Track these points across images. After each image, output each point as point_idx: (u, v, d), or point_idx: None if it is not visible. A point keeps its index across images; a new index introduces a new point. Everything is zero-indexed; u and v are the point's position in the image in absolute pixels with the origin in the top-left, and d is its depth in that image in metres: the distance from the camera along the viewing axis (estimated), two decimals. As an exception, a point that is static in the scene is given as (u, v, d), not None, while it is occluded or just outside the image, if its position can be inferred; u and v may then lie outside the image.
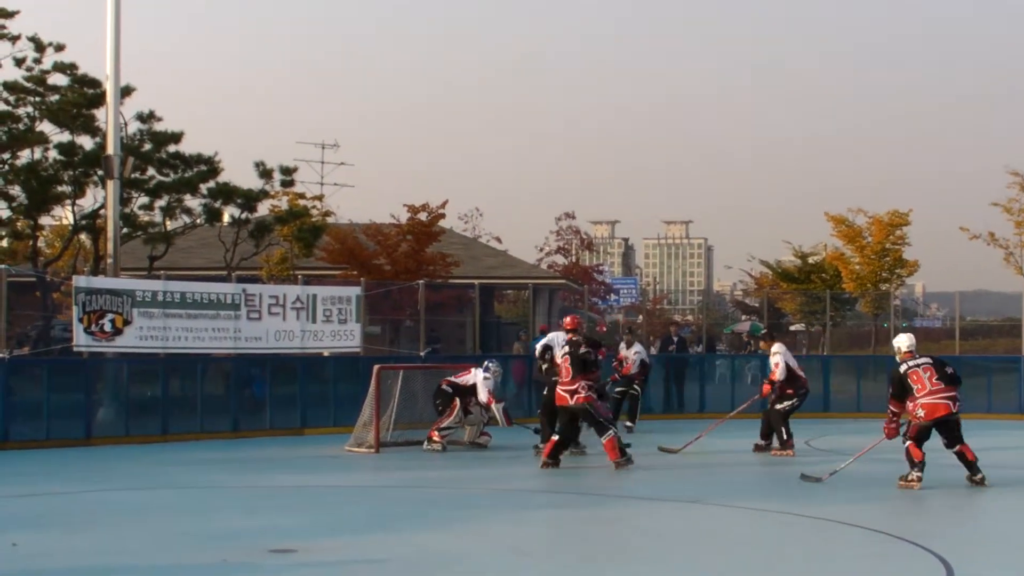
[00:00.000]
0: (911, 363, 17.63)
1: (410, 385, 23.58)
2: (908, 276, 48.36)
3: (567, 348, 19.75)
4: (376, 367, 22.83)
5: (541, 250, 67.41)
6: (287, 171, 33.96)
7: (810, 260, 57.73)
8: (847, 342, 53.97)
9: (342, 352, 26.86)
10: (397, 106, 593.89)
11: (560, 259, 66.59)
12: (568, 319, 20.71)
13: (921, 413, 17.27)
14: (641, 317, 57.34)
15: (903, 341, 18.18)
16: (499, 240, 62.04)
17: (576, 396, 19.20)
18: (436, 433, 22.35)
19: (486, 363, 23.22)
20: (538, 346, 22.58)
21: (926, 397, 17.22)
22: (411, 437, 22.93)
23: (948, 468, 19.97)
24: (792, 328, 61.21)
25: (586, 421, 19.68)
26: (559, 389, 19.61)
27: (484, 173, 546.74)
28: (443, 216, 39.79)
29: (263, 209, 34.24)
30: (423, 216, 38.83)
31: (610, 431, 19.37)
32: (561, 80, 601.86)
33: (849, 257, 46.73)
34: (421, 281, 30.62)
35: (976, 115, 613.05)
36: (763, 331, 32.50)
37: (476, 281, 35.58)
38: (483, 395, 22.53)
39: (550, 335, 22.74)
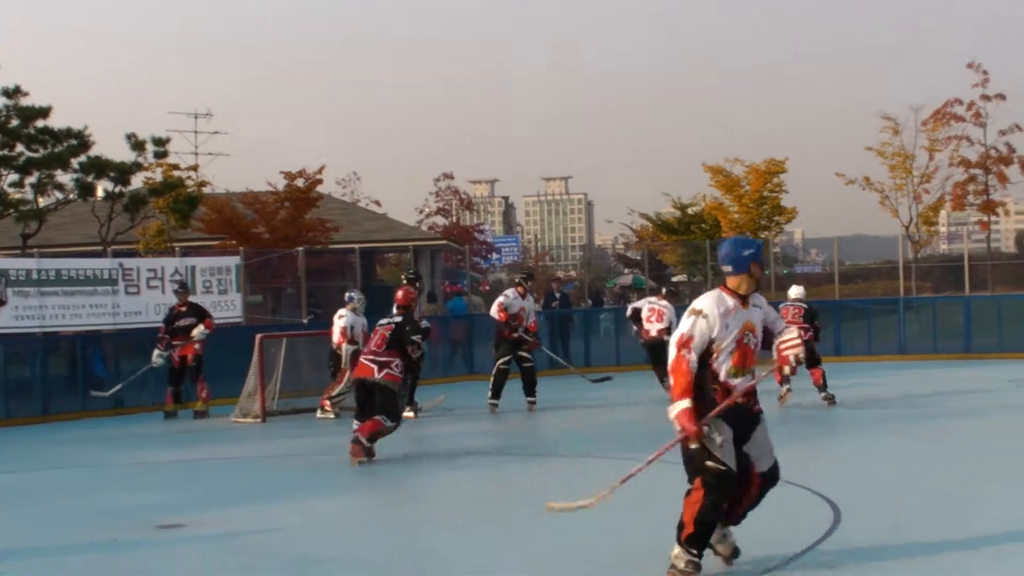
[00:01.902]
0: (786, 303, 22.23)
1: (294, 353, 23.36)
2: (786, 223, 48.91)
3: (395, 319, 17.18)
4: (258, 336, 22.57)
5: (421, 212, 67.36)
6: (160, 142, 33.55)
7: (689, 211, 58.11)
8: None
9: (223, 323, 26.56)
10: (269, 73, 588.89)
11: (441, 220, 66.57)
12: (401, 293, 18.04)
13: None
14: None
15: (793, 291, 23.07)
16: (378, 204, 61.85)
17: (385, 371, 16.55)
18: (327, 401, 22.09)
19: (347, 294, 22.90)
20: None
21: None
22: (297, 405, 22.72)
23: (833, 414, 20.25)
24: (675, 279, 61.61)
25: (383, 399, 16.54)
26: (363, 358, 17.10)
27: (360, 138, 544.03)
28: (320, 182, 39.55)
29: (137, 182, 33.86)
30: (300, 183, 38.56)
31: (392, 425, 16.56)
32: (434, 40, 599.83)
33: (728, 206, 47.09)
34: (301, 248, 30.40)
35: (850, 62, 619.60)
36: (646, 284, 32.56)
37: (356, 245, 35.38)
38: (336, 334, 22.26)
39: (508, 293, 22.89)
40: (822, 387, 21.36)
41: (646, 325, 23.93)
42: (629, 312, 24.69)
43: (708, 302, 9.39)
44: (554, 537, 10.90)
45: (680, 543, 9.20)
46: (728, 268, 9.52)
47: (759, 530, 10.86)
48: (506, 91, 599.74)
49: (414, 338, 16.69)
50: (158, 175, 35.54)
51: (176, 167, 36.78)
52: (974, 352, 31.60)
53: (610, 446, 17.10)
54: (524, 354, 22.37)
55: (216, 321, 25.22)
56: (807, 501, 11.96)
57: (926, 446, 16.33)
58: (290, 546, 10.98)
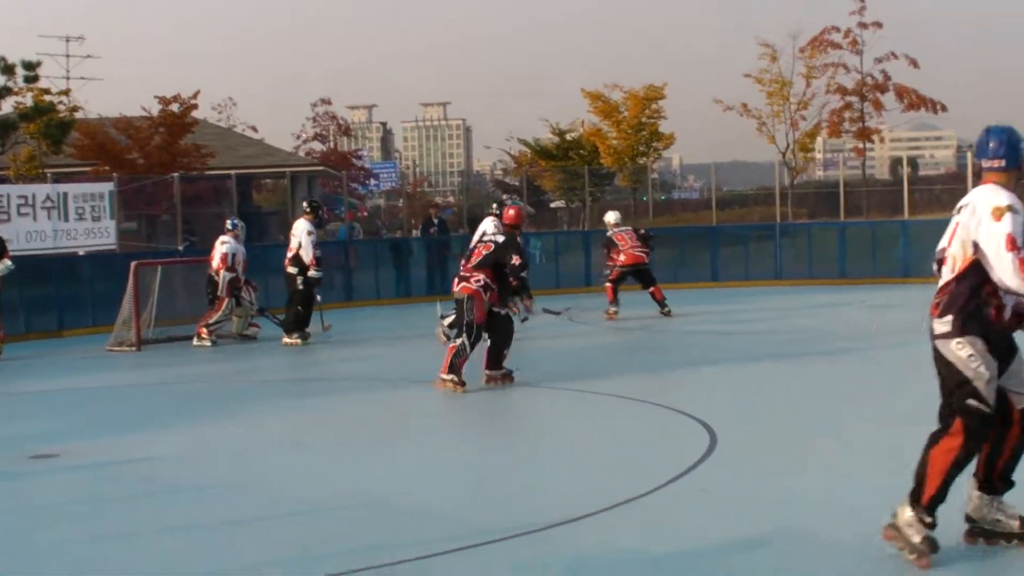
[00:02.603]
0: (617, 229, 24.55)
1: (170, 281, 23.08)
2: (665, 149, 49.16)
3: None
4: (133, 264, 22.23)
5: (298, 137, 66.64)
6: (30, 66, 32.87)
7: (568, 137, 58.13)
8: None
9: (97, 250, 26.17)
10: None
11: (318, 146, 65.89)
12: (513, 212, 16.95)
13: (623, 258, 23.96)
14: (402, 201, 57.20)
15: (611, 216, 25.26)
16: (255, 129, 61.08)
17: (463, 284, 15.68)
18: (204, 329, 21.88)
19: (229, 221, 22.71)
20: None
21: (628, 250, 23.95)
22: (173, 334, 22.49)
23: (709, 339, 20.44)
24: (553, 205, 61.70)
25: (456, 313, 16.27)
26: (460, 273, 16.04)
27: (236, 62, 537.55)
28: (196, 107, 39.01)
29: (7, 107, 33.12)
30: (175, 108, 38.03)
31: (459, 343, 15.43)
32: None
33: (606, 132, 47.23)
34: (176, 174, 30.02)
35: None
36: (525, 210, 32.66)
37: (233, 171, 34.93)
38: (216, 260, 22.03)
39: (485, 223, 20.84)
40: (662, 303, 23.94)
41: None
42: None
43: (1011, 196, 7.32)
44: (424, 457, 10.90)
45: (916, 505, 7.48)
46: (998, 162, 7.50)
47: (635, 454, 10.95)
48: (383, 15, 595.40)
49: (522, 273, 15.81)
50: (28, 100, 34.77)
51: (47, 92, 36.00)
52: (849, 277, 32.00)
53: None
54: None
55: (89, 248, 24.85)
56: (683, 425, 12.06)
57: (800, 369, 16.53)
58: (165, 474, 10.88)
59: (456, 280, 15.96)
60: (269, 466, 11.18)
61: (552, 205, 62.10)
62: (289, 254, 21.81)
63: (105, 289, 24.02)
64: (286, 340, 21.52)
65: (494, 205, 21.70)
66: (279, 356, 20.38)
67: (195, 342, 21.81)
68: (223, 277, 21.72)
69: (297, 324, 21.60)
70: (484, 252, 15.75)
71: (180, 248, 27.69)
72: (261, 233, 39.51)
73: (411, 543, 8.21)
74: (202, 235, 31.40)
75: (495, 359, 15.41)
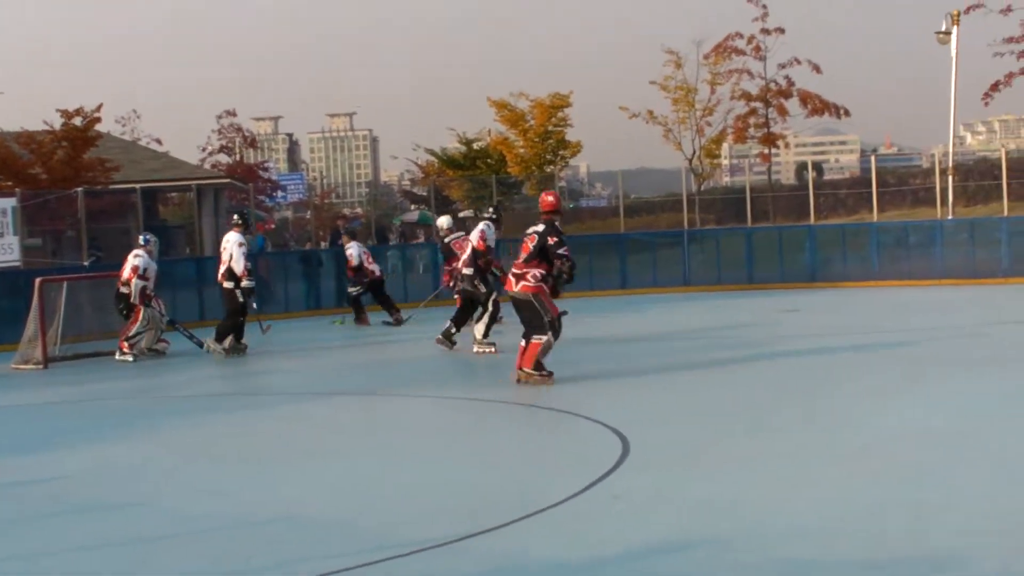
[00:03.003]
0: (453, 236, 23.93)
1: (76, 297, 22.80)
2: (572, 157, 49.33)
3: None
4: (38, 280, 21.99)
5: (204, 150, 66.20)
6: (-70, 80, 32.42)
7: (475, 146, 58.17)
8: (517, 225, 54.68)
9: (1, 267, 25.84)
10: (46, 6, 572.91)
11: (224, 158, 65.48)
12: (551, 197, 16.79)
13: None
14: (309, 213, 56.99)
15: (443, 221, 24.99)
16: (159, 142, 60.52)
17: (522, 283, 15.98)
18: (125, 343, 21.67)
19: (143, 236, 22.55)
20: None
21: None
22: (81, 351, 22.24)
23: (619, 347, 20.49)
24: (461, 215, 61.69)
25: (526, 314, 16.01)
26: (511, 272, 16.28)
27: (139, 74, 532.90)
28: (99, 120, 38.53)
29: (-96, 122, 32.69)
30: (78, 121, 37.57)
31: (544, 338, 15.84)
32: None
33: (513, 141, 47.32)
34: (80, 189, 29.68)
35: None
36: (432, 219, 32.84)
37: (138, 185, 34.62)
38: (126, 270, 21.83)
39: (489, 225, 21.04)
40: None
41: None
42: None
43: None
44: (337, 470, 10.85)
45: None
46: None
47: (548, 462, 10.95)
48: (287, 25, 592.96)
49: (560, 251, 15.86)
50: (-73, 115, 34.36)
51: (-54, 106, 35.55)
52: (756, 282, 32.26)
53: (399, 382, 17.12)
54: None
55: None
56: (595, 433, 12.08)
57: (711, 374, 16.60)
58: (74, 493, 10.73)
59: (512, 280, 16.09)
60: (181, 482, 11.06)
61: (461, 215, 62.09)
62: (222, 268, 21.75)
63: (9, 306, 23.76)
64: (211, 346, 21.58)
65: (490, 209, 21.95)
66: (190, 371, 20.21)
67: (117, 356, 21.61)
68: (135, 285, 21.55)
69: (227, 332, 21.64)
70: (531, 245, 16.00)
71: (86, 263, 27.40)
72: (168, 247, 39.17)
73: (325, 556, 8.18)
74: (108, 250, 31.12)
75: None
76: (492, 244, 20.88)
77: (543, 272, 15.87)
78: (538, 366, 15.66)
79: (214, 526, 9.26)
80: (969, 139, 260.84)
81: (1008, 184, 35.09)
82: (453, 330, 20.37)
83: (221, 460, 12.17)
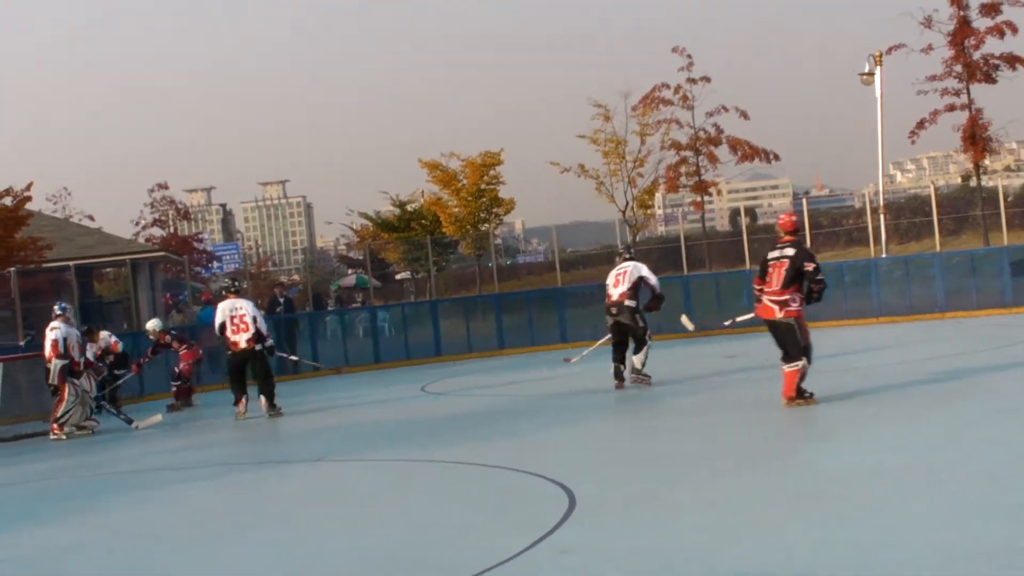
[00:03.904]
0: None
1: (13, 377, 22.66)
2: (506, 214, 49.35)
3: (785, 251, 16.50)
4: (-28, 362, 21.84)
5: (137, 224, 66.03)
6: None
7: (408, 208, 58.27)
8: (454, 285, 54.79)
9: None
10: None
11: (158, 231, 65.40)
12: (789, 219, 17.09)
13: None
14: (247, 282, 56.80)
15: (152, 325, 26.17)
16: (92, 218, 60.53)
17: (786, 309, 16.24)
18: (55, 425, 21.50)
19: (56, 307, 22.39)
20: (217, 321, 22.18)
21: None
22: (20, 431, 22.05)
23: (558, 401, 20.48)
24: (398, 277, 61.69)
25: (785, 338, 16.30)
26: (765, 299, 16.40)
27: (69, 150, 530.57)
28: (30, 199, 38.27)
29: None
30: (8, 201, 37.34)
31: (802, 363, 16.21)
32: (136, 46, 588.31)
33: (446, 201, 47.36)
34: (12, 269, 29.48)
35: (559, 51, 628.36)
36: (370, 283, 32.87)
37: (72, 262, 34.47)
38: (47, 348, 21.67)
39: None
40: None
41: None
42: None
43: None
44: (277, 542, 10.76)
45: None
46: None
47: (494, 520, 10.90)
48: (216, 96, 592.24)
49: (819, 277, 16.27)
50: None
51: None
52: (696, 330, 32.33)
53: (342, 447, 17.04)
54: None
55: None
56: (540, 488, 12.03)
57: (653, 423, 16.63)
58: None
59: (768, 306, 16.38)
60: (120, 563, 10.92)
61: (398, 277, 62.11)
62: (246, 334, 21.97)
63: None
64: (269, 412, 22.07)
65: (631, 251, 23.14)
66: (128, 447, 20.03)
67: (51, 437, 21.43)
68: (55, 365, 21.39)
69: (272, 391, 22.23)
70: (784, 269, 16.23)
71: (22, 343, 27.19)
72: (105, 322, 38.93)
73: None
74: (43, 329, 30.89)
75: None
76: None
77: (801, 296, 16.28)
78: (799, 392, 16.12)
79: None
80: (899, 177, 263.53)
81: (939, 220, 35.46)
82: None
83: (160, 538, 11.98)
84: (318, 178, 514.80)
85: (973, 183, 41.23)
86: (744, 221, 44.10)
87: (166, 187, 67.88)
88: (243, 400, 22.15)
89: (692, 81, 45.15)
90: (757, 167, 49.49)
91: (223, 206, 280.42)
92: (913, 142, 40.56)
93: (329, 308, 42.68)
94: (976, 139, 39.29)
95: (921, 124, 39.78)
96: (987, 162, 40.80)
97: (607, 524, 10.22)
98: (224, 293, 23.22)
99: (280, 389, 24.01)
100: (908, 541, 8.70)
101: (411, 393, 24.00)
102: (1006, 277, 32.18)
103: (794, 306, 16.18)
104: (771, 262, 16.47)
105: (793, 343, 16.16)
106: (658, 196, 50.63)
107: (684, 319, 23.02)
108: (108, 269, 56.30)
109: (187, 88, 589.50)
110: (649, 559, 8.91)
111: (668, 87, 45.30)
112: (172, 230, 68.76)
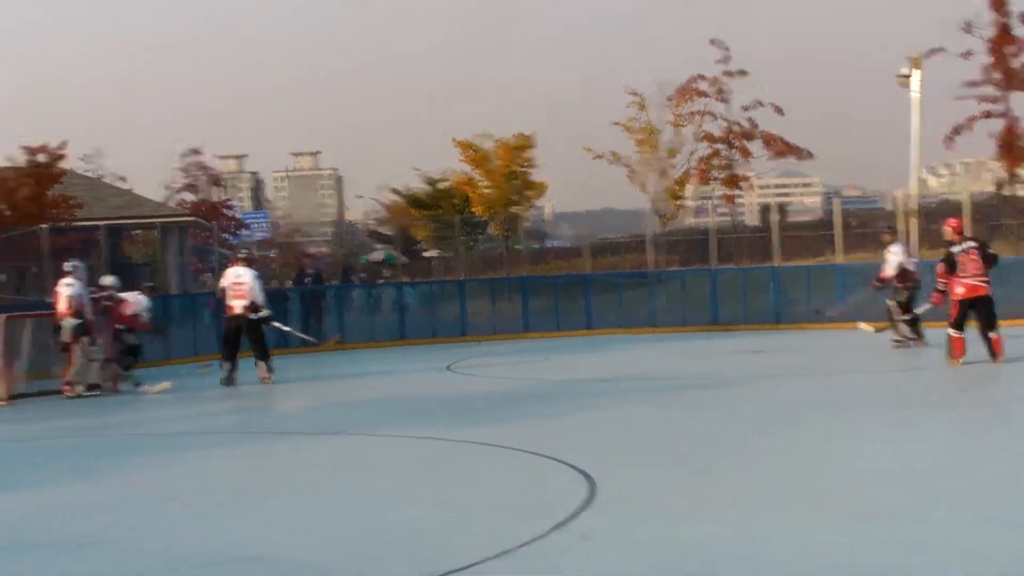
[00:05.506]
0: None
1: (41, 334, 22.73)
2: (537, 198, 49.37)
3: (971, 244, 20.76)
4: (2, 316, 21.92)
5: (168, 188, 66.09)
6: None
7: (440, 186, 58.26)
8: (481, 265, 54.76)
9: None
10: (8, 41, 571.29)
11: (189, 196, 65.39)
12: (957, 221, 21.45)
13: None
14: (274, 251, 56.95)
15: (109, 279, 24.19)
16: (124, 179, 60.49)
17: (990, 286, 20.57)
18: (66, 387, 21.62)
19: (66, 264, 22.51)
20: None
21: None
22: (45, 387, 22.16)
23: (585, 387, 20.50)
24: (426, 254, 61.74)
25: (992, 309, 20.53)
26: (972, 280, 20.45)
27: (104, 110, 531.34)
28: (63, 157, 38.51)
29: None
30: (42, 158, 37.51)
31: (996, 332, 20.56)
32: (175, 8, 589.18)
33: (478, 181, 47.34)
34: (44, 225, 29.61)
35: (596, 36, 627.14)
36: (397, 260, 32.92)
37: (102, 222, 34.56)
38: (61, 304, 21.78)
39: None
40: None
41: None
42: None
43: None
44: (302, 509, 10.82)
45: None
46: None
47: (514, 503, 10.94)
48: (252, 64, 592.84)
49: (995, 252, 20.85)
50: None
51: (-90, 141, 35.50)
52: (721, 323, 32.36)
53: (364, 422, 17.11)
54: None
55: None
56: (562, 473, 12.07)
57: (677, 416, 16.62)
58: (34, 531, 10.63)
59: (979, 285, 20.37)
60: (140, 522, 10.95)
61: (425, 254, 62.15)
62: (242, 301, 22.74)
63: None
64: (265, 375, 22.66)
65: (887, 229, 26.53)
66: (154, 409, 20.14)
67: (67, 396, 21.54)
68: (67, 324, 21.48)
69: (267, 357, 23.01)
70: (979, 255, 20.40)
71: (50, 300, 27.30)
72: (133, 285, 39.04)
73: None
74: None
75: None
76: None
77: None
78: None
79: (175, 565, 9.20)
80: (932, 181, 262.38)
81: (972, 226, 35.32)
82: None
83: (185, 499, 12.07)
84: (350, 151, 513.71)
85: (1006, 191, 40.97)
86: (774, 217, 44.01)
87: (199, 152, 67.82)
88: (227, 366, 22.77)
89: (728, 74, 44.97)
90: (789, 163, 49.47)
91: (254, 174, 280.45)
92: (948, 147, 40.38)
93: (356, 282, 42.76)
94: (1012, 147, 39.08)
95: (957, 129, 39.58)
96: (1022, 171, 40.51)
97: (629, 512, 10.25)
98: (234, 259, 23.61)
99: (302, 361, 24.16)
100: (935, 545, 8.70)
101: (436, 371, 24.05)
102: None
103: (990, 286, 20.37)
104: (959, 255, 20.38)
105: (993, 314, 20.31)
106: (689, 187, 50.45)
107: (862, 325, 25.66)
108: (138, 231, 56.42)
109: (224, 53, 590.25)
110: (671, 549, 8.94)
111: (704, 79, 45.15)
112: (203, 196, 68.82)
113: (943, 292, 21.04)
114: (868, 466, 11.92)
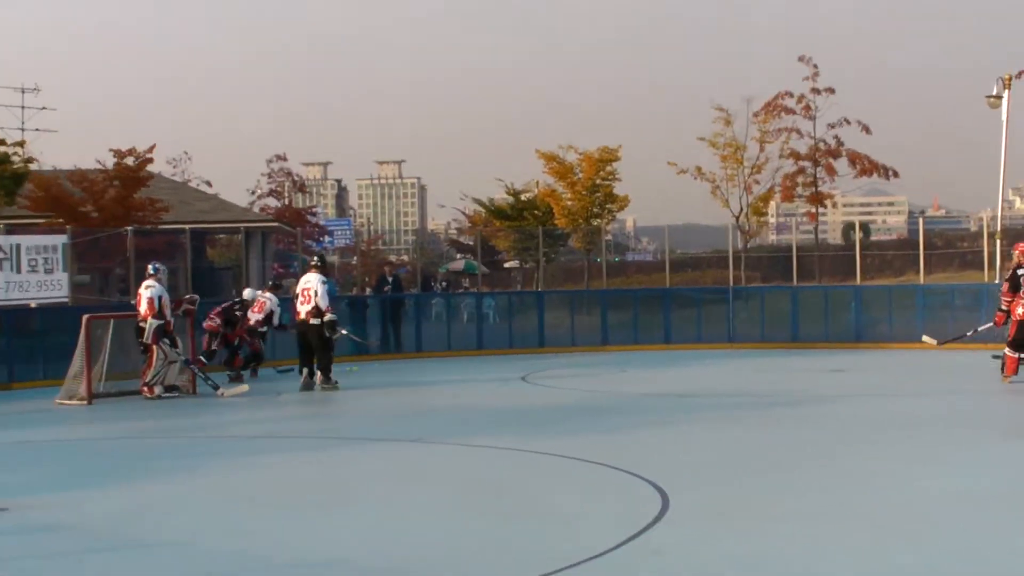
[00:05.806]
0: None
1: (122, 334, 22.93)
2: (619, 211, 49.23)
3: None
4: (85, 317, 22.13)
5: (253, 193, 66.66)
6: (-16, 118, 32.77)
7: (522, 197, 58.27)
8: (561, 277, 54.77)
9: (50, 303, 26.02)
10: (100, 48, 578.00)
11: (273, 202, 65.95)
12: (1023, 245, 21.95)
13: None
14: (356, 259, 57.18)
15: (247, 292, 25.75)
16: (209, 184, 61.21)
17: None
18: (146, 388, 21.81)
19: (149, 266, 22.68)
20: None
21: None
22: (125, 388, 22.35)
23: (662, 402, 20.44)
24: (507, 265, 61.79)
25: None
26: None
27: (192, 116, 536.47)
28: (151, 160, 38.95)
29: (-38, 159, 32.96)
30: (130, 161, 37.94)
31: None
32: (263, 18, 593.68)
33: (561, 193, 47.29)
34: (130, 228, 29.90)
35: (685, 52, 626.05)
36: (478, 269, 32.97)
37: (187, 226, 34.87)
38: (143, 305, 21.95)
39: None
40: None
41: None
42: None
43: None
44: (384, 516, 10.85)
45: None
46: None
47: (588, 515, 10.93)
48: (340, 72, 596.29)
49: None
50: (-17, 151, 34.66)
51: (2, 142, 35.90)
52: (801, 341, 32.14)
53: (441, 430, 17.15)
54: None
55: (42, 301, 24.74)
56: (635, 487, 12.05)
57: (753, 433, 16.54)
58: (116, 531, 10.76)
59: None
60: (220, 524, 11.08)
61: (506, 265, 62.21)
62: (307, 306, 22.73)
63: (56, 342, 23.89)
64: (324, 386, 22.63)
65: None
66: (231, 412, 20.27)
67: (146, 397, 21.73)
68: (149, 325, 21.67)
69: (329, 366, 22.87)
70: None
71: (133, 302, 27.58)
72: (215, 289, 39.39)
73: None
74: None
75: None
76: None
77: None
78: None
79: (258, 568, 9.28)
80: (1018, 203, 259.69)
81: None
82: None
83: (255, 502, 12.16)
84: (434, 161, 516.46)
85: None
86: (858, 236, 43.62)
87: (284, 159, 68.46)
88: (304, 372, 22.93)
89: (816, 91, 44.81)
90: (874, 182, 49.10)
91: (338, 181, 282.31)
92: (1037, 169, 40.04)
93: (436, 291, 42.85)
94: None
95: (1046, 151, 39.23)
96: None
97: (700, 528, 10.23)
98: (308, 266, 23.84)
99: (380, 368, 24.19)
100: (1005, 570, 8.62)
101: (512, 382, 24.07)
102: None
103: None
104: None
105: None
106: (772, 204, 50.31)
107: (925, 338, 25.53)
108: (222, 235, 56.90)
109: (311, 61, 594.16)
110: (739, 567, 8.91)
111: (791, 96, 44.98)
112: (287, 202, 69.30)
113: (1006, 312, 21.74)
114: (944, 487, 11.83)
